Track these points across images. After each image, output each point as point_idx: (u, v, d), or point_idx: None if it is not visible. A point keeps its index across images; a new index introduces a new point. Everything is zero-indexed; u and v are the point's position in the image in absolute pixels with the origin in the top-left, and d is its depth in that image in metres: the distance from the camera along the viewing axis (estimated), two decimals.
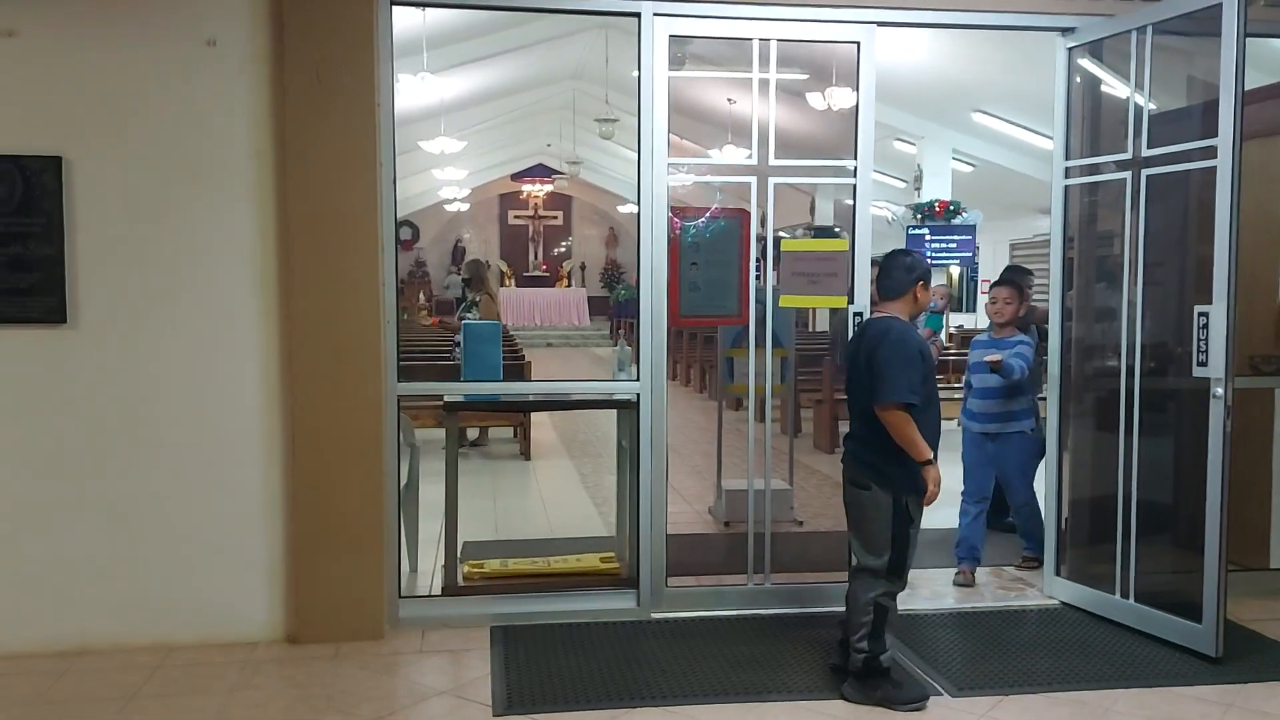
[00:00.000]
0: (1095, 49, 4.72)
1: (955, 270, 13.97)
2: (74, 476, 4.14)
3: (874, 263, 4.43)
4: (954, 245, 13.64)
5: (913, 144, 14.21)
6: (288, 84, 4.11)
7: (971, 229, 13.67)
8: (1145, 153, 4.34)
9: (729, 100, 13.44)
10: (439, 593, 4.66)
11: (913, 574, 5.22)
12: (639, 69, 4.43)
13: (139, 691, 3.76)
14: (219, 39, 4.12)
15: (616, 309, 24.15)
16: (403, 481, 4.80)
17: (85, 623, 4.14)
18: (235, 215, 4.18)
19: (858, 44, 4.53)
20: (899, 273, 3.87)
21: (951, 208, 13.92)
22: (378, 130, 4.20)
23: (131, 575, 4.18)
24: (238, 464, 4.22)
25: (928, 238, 13.95)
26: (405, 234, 25.66)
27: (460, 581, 4.64)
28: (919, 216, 14.02)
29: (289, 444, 4.21)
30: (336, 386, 4.17)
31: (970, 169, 14.67)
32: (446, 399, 4.68)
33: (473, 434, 9.01)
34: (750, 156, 4.74)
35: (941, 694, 3.80)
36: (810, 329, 17.35)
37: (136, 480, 4.17)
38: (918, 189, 14.20)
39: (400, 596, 4.45)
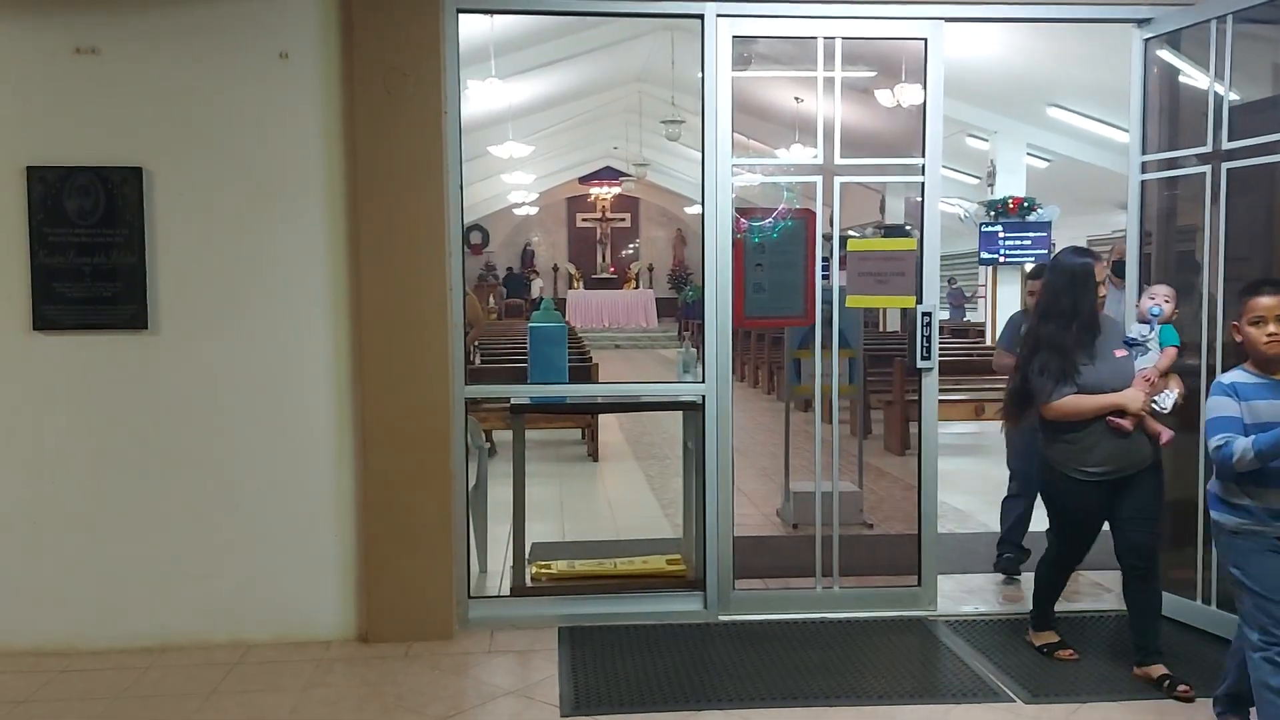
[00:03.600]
0: (1173, 39, 4.58)
1: (1029, 267, 13.65)
2: (155, 478, 4.28)
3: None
4: (1028, 242, 13.37)
5: (985, 140, 13.96)
6: (357, 94, 4.19)
7: (1047, 225, 13.38)
8: (1226, 145, 4.20)
9: (796, 99, 13.35)
10: (507, 593, 4.71)
11: (981, 579, 5.19)
12: (702, 70, 4.42)
13: (218, 688, 3.87)
14: (291, 51, 4.23)
15: (684, 310, 24.15)
16: (471, 483, 4.87)
17: (167, 620, 4.28)
18: (307, 222, 4.28)
19: (925, 40, 4.47)
20: None
21: (1026, 204, 13.65)
22: (445, 137, 4.27)
23: (210, 575, 4.30)
24: (311, 466, 4.32)
25: (1001, 235, 13.71)
26: (475, 238, 26.00)
27: (528, 582, 4.69)
28: (992, 214, 13.77)
29: (360, 446, 4.29)
30: (406, 389, 4.25)
31: (1045, 164, 14.35)
32: (513, 401, 4.73)
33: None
34: (816, 155, 4.71)
35: (1015, 700, 3.72)
36: (881, 329, 17.15)
37: (214, 482, 4.30)
38: (991, 185, 13.95)
39: (469, 597, 4.51)
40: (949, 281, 21.54)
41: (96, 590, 4.27)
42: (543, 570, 4.77)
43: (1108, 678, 3.90)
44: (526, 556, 4.81)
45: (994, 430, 9.76)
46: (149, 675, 4.00)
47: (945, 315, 20.98)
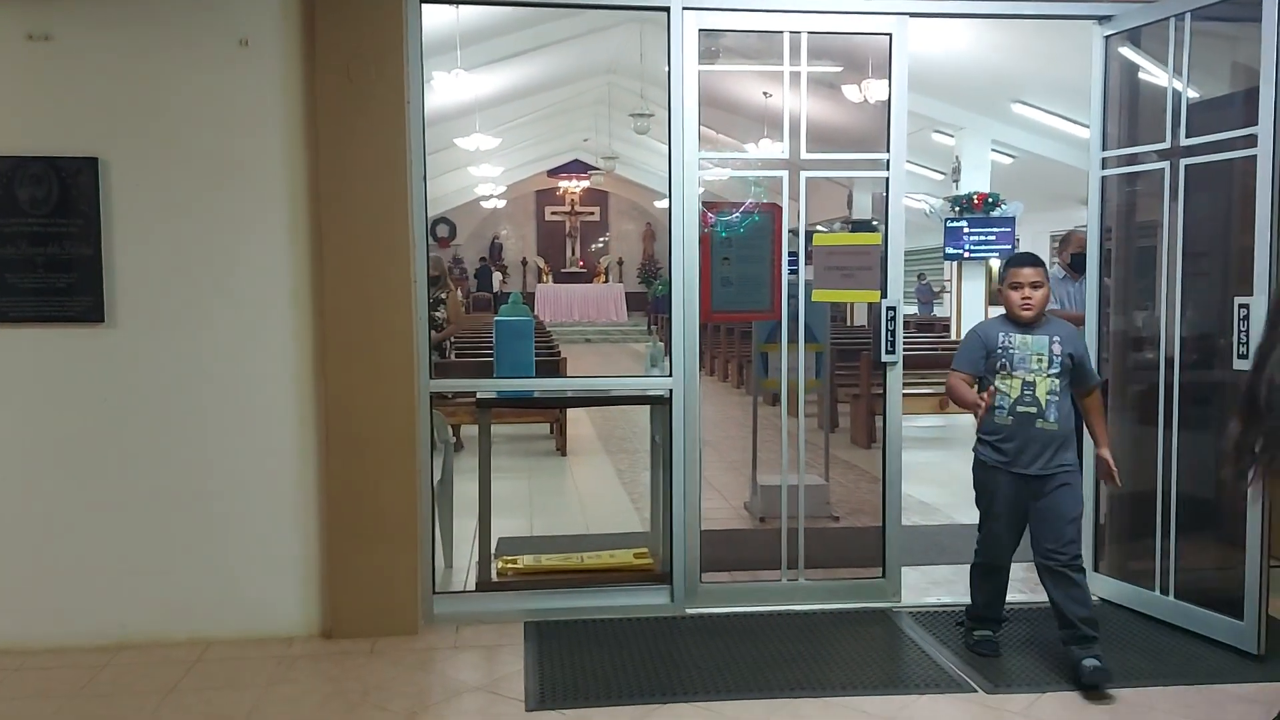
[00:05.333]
0: (1134, 36, 4.63)
1: (994, 263, 13.77)
2: (112, 474, 4.21)
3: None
4: (993, 238, 13.49)
5: (951, 135, 14.07)
6: (319, 83, 4.14)
7: (1011, 221, 13.51)
8: (1184, 142, 4.25)
9: (765, 94, 13.38)
10: (473, 589, 4.69)
11: (948, 570, 5.23)
12: (668, 63, 4.42)
13: (177, 685, 3.82)
14: (251, 39, 4.16)
15: (654, 304, 24.20)
16: (437, 478, 4.84)
17: (125, 618, 4.21)
18: (268, 214, 4.23)
19: (890, 35, 4.49)
20: None
21: (990, 199, 13.77)
22: (408, 128, 4.23)
23: (169, 571, 4.25)
24: (272, 461, 4.28)
25: (965, 230, 13.82)
26: (442, 231, 25.86)
27: (494, 577, 4.67)
28: (957, 209, 13.88)
29: (322, 441, 4.25)
30: (369, 383, 4.21)
31: (1010, 160, 14.48)
32: (479, 395, 4.71)
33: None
34: (782, 150, 4.72)
35: (976, 690, 3.75)
36: (849, 323, 17.24)
37: (172, 477, 4.24)
38: (956, 181, 14.06)
39: (435, 592, 4.48)
40: (918, 277, 21.72)
41: (53, 588, 4.20)
42: (509, 565, 4.75)
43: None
44: (493, 551, 4.79)
45: (960, 422, 9.86)
46: (106, 673, 3.95)
47: (913, 310, 21.15)
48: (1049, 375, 3.91)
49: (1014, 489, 3.97)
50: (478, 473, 4.70)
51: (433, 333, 7.80)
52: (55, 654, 4.10)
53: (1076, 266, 5.94)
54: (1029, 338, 3.95)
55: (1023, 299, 3.94)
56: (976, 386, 4.07)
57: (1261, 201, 3.90)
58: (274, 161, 4.21)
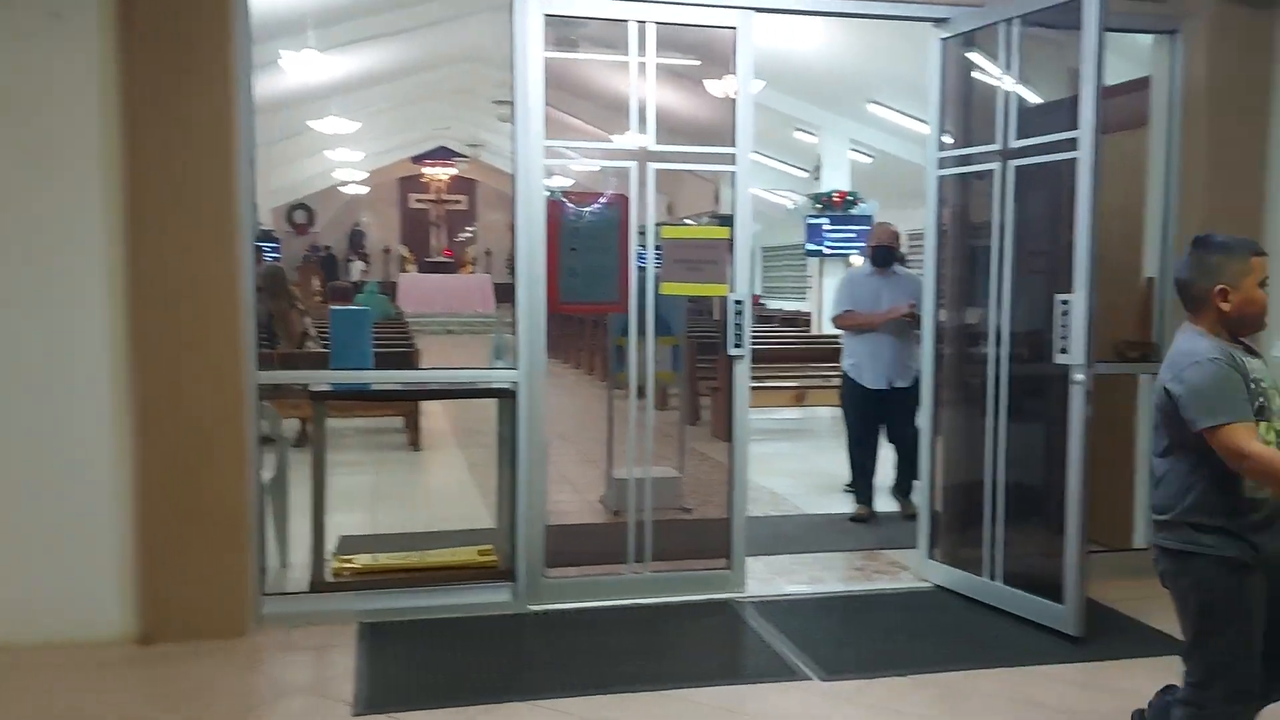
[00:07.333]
0: (969, 39, 4.78)
1: (854, 261, 14.14)
2: None
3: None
4: (852, 235, 13.87)
5: (813, 134, 14.37)
6: (137, 60, 3.89)
7: (868, 219, 13.89)
8: (1014, 144, 4.41)
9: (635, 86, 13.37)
10: (307, 589, 4.50)
11: (791, 560, 5.32)
12: (512, 48, 4.33)
13: None
14: (64, 11, 3.88)
15: None
16: (271, 474, 4.64)
17: None
18: (82, 196, 3.94)
19: (735, 29, 4.50)
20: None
21: (850, 198, 14.15)
22: (235, 109, 4.00)
23: None
24: (85, 456, 4.00)
25: (826, 227, 14.17)
26: (299, 218, 25.00)
27: (329, 577, 4.49)
28: (818, 206, 14.22)
29: (140, 436, 4.00)
30: (191, 376, 3.99)
31: (869, 160, 14.89)
32: (313, 388, 4.52)
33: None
34: (631, 141, 4.68)
35: (811, 678, 3.81)
36: (715, 316, 17.42)
37: None
38: (817, 179, 14.39)
39: (265, 593, 4.28)
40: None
41: None
42: (345, 564, 4.58)
43: (898, 654, 4.05)
44: (334, 550, 4.62)
45: (818, 415, 10.08)
46: None
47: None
48: None
49: (1268, 589, 2.68)
50: (312, 468, 4.51)
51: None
52: None
53: (878, 261, 6.13)
54: (1258, 362, 2.70)
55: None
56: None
57: (1082, 203, 4.07)
58: (89, 143, 3.93)
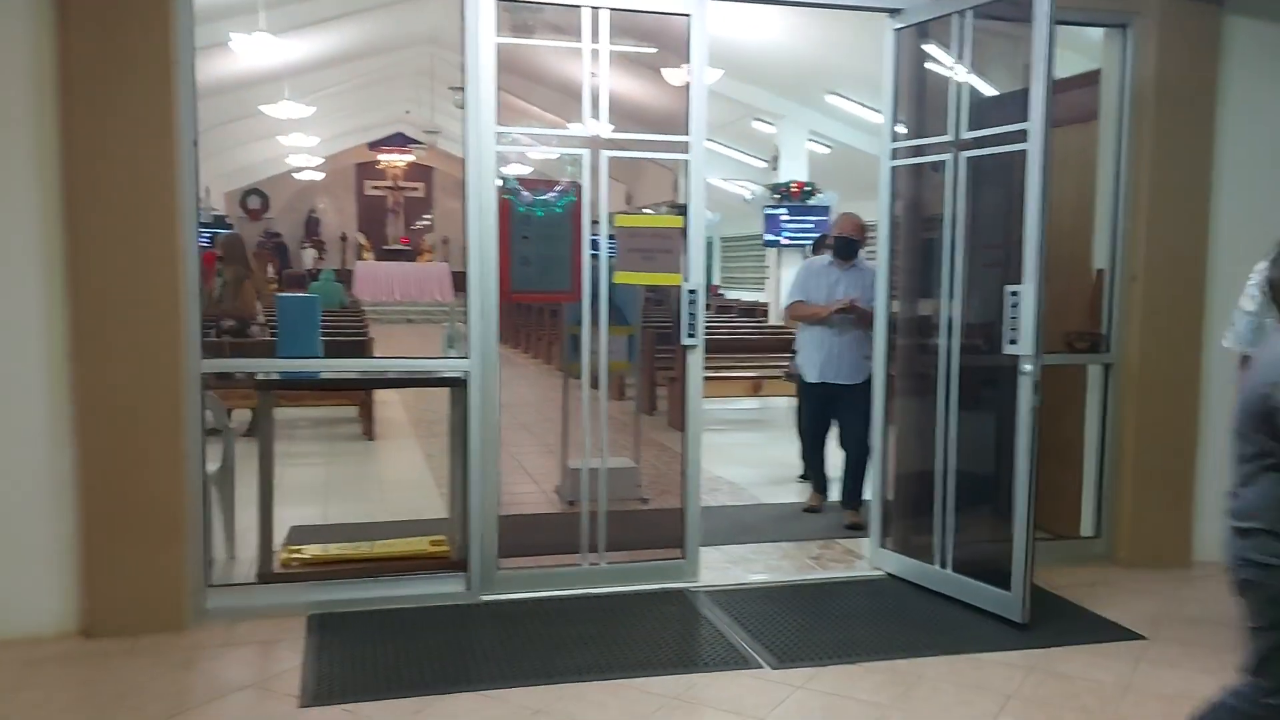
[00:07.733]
0: (922, 31, 4.79)
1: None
2: None
3: None
4: (810, 226, 13.90)
5: (772, 124, 14.37)
6: (73, 39, 3.78)
7: (826, 210, 13.95)
8: (965, 135, 4.43)
9: (593, 74, 13.30)
10: (254, 581, 4.43)
11: (747, 549, 5.33)
12: (463, 31, 4.27)
13: None
14: None
15: None
16: (215, 465, 4.55)
17: None
18: (15, 178, 3.83)
19: (689, 16, 4.47)
20: None
21: (808, 188, 14.19)
22: (175, 89, 3.91)
23: None
24: (19, 446, 3.90)
25: (784, 218, 14.20)
26: (253, 203, 24.62)
27: (277, 568, 4.43)
28: (776, 196, 14.24)
29: (78, 425, 3.90)
30: (129, 363, 3.89)
31: (827, 150, 14.93)
32: (259, 377, 4.44)
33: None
34: (584, 128, 4.65)
35: (763, 666, 3.81)
36: (674, 307, 17.39)
37: None
38: (775, 169, 14.40)
39: (210, 585, 4.21)
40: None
41: None
42: (294, 555, 4.52)
43: (849, 642, 4.07)
44: (283, 541, 4.54)
45: (775, 405, 10.11)
46: None
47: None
48: None
49: None
50: (258, 458, 4.44)
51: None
52: None
53: (840, 252, 5.88)
54: None
55: None
56: None
57: (1032, 195, 4.09)
58: (22, 126, 3.82)
